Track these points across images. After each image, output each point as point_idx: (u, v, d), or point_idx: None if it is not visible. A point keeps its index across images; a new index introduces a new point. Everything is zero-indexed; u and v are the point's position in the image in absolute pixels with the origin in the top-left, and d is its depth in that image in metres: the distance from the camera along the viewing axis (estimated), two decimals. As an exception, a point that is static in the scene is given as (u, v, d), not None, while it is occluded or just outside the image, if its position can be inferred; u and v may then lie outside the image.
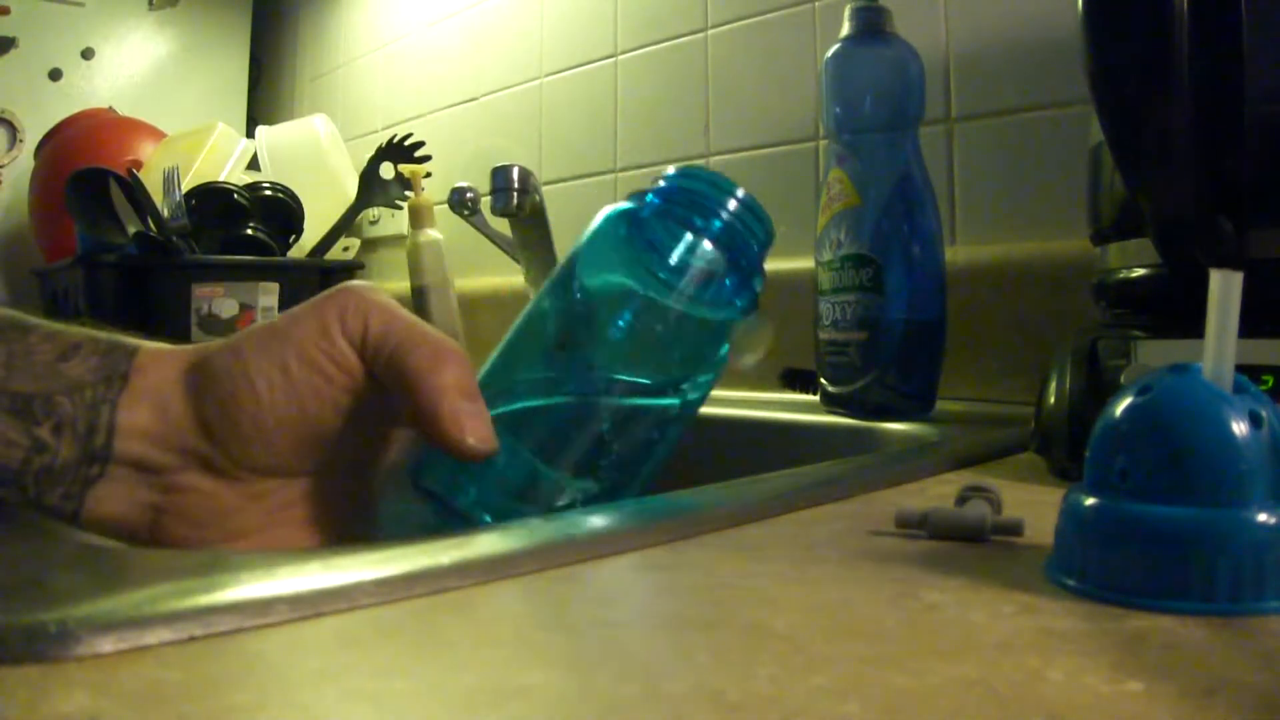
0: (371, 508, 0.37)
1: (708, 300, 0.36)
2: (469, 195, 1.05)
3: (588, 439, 0.36)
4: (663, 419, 0.37)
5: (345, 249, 1.42)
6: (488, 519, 0.34)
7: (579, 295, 0.37)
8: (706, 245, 0.37)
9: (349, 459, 0.35)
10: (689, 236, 0.37)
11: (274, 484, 0.34)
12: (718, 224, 0.37)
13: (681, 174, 0.39)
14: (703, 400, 0.38)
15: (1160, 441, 0.27)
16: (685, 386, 0.37)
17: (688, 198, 0.38)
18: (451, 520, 0.34)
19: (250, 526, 0.34)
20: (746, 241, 0.37)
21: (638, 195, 0.38)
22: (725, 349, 0.38)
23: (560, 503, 0.35)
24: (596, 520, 0.35)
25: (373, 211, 1.43)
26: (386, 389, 0.34)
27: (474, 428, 0.32)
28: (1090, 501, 0.28)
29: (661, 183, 0.39)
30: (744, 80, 1.00)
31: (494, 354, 0.38)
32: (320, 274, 1.28)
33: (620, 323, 0.36)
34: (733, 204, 0.38)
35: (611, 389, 0.36)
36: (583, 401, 0.36)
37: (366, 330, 0.33)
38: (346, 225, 1.34)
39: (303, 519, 0.35)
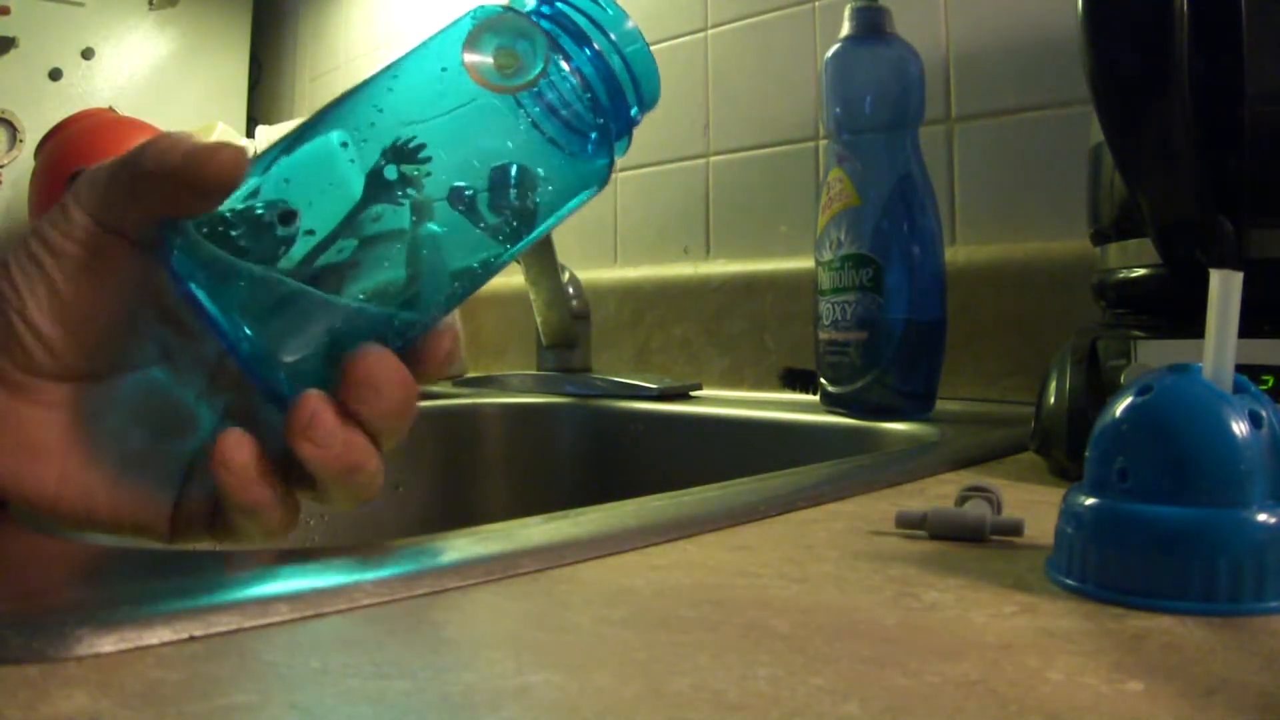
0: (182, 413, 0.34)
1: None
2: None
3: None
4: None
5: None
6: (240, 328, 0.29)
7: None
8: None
9: (148, 355, 0.34)
10: None
11: (69, 389, 0.32)
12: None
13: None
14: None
15: (1160, 441, 0.27)
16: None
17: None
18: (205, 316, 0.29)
19: (52, 440, 0.32)
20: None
21: None
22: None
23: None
24: (596, 520, 0.35)
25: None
26: (143, 210, 0.32)
27: (214, 157, 0.30)
28: (1090, 501, 0.28)
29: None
30: (744, 80, 1.00)
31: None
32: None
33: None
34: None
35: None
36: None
37: (97, 191, 0.32)
38: (346, 224, 1.34)
39: (113, 428, 0.33)
